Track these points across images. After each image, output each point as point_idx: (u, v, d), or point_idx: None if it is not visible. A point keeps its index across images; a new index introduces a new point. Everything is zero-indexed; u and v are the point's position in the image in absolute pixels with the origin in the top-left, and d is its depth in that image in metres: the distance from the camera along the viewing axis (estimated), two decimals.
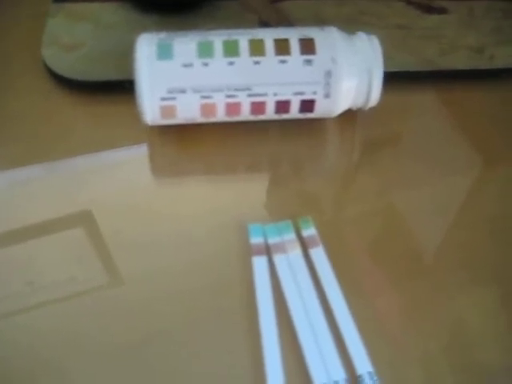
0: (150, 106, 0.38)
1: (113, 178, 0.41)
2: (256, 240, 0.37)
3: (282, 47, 0.38)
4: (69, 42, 0.46)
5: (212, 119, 0.40)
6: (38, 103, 0.44)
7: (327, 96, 0.39)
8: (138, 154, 0.42)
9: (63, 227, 0.38)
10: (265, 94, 0.39)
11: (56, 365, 0.33)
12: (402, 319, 0.35)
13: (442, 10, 0.50)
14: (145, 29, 0.46)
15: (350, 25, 0.45)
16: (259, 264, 0.36)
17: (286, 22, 0.48)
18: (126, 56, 0.43)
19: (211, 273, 0.36)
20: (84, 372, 0.33)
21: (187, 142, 0.42)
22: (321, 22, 0.48)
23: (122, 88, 0.43)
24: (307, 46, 0.38)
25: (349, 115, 0.43)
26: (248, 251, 0.37)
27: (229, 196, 0.40)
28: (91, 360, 0.33)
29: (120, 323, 0.34)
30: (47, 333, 0.34)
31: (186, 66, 0.38)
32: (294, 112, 0.40)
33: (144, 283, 0.36)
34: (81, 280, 0.36)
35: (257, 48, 0.38)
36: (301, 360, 0.33)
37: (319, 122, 0.43)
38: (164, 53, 0.38)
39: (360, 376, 0.32)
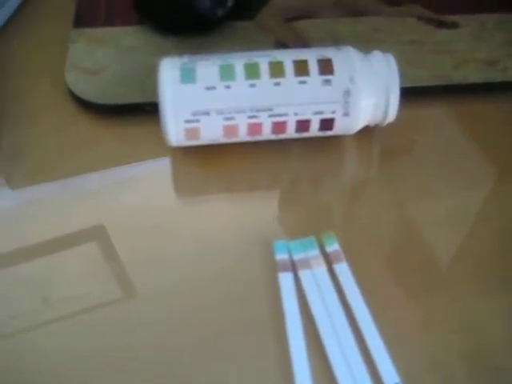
0: (175, 128, 0.39)
1: (135, 196, 0.42)
2: (281, 256, 0.38)
3: (301, 68, 0.39)
4: (91, 67, 0.47)
5: (234, 139, 0.41)
6: (60, 124, 0.45)
7: (346, 114, 0.40)
8: (161, 173, 0.43)
9: (82, 242, 0.39)
10: (285, 114, 0.40)
11: (70, 380, 0.33)
12: (425, 329, 0.36)
13: (453, 25, 0.51)
14: (164, 51, 0.47)
15: (363, 42, 0.46)
16: (285, 280, 0.37)
17: (302, 40, 0.49)
18: (148, 79, 0.45)
19: (237, 290, 0.37)
20: None
21: (210, 161, 0.43)
22: (335, 39, 0.49)
23: (145, 110, 0.44)
24: (325, 67, 0.40)
25: (366, 131, 0.44)
26: (272, 268, 0.37)
27: (251, 213, 0.41)
28: (107, 377, 0.33)
29: (139, 339, 0.35)
30: (63, 349, 0.34)
31: (209, 89, 0.39)
32: (314, 130, 0.41)
33: (167, 300, 0.36)
34: (97, 295, 0.36)
35: (277, 70, 0.39)
36: (329, 374, 0.33)
37: (338, 138, 0.44)
38: (187, 77, 0.39)
39: None
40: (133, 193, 0.42)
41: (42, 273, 0.37)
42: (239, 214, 0.41)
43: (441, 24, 0.52)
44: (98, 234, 0.39)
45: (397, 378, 0.33)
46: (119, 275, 0.38)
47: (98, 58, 0.48)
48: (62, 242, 0.39)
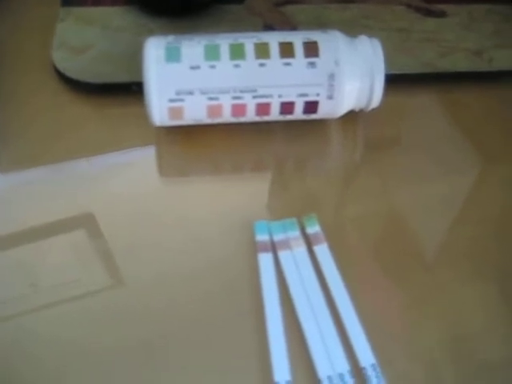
0: (159, 107, 0.39)
1: (120, 179, 0.41)
2: (261, 237, 0.38)
3: (287, 50, 0.40)
4: (78, 45, 0.47)
5: (218, 120, 0.41)
6: (47, 105, 0.45)
7: (330, 97, 0.40)
8: (145, 155, 0.43)
9: (68, 228, 0.39)
10: (270, 96, 0.40)
11: (57, 367, 0.33)
12: (404, 314, 0.36)
13: (441, 14, 0.52)
14: (152, 32, 0.47)
15: (351, 28, 0.46)
16: (265, 261, 0.37)
17: (290, 25, 0.49)
18: (134, 58, 0.44)
19: (219, 271, 0.37)
20: (85, 376, 0.33)
21: (194, 142, 0.43)
22: (323, 25, 0.49)
23: (130, 90, 0.44)
24: (311, 49, 0.40)
25: (351, 116, 0.44)
26: (255, 249, 0.38)
27: (235, 195, 0.41)
28: (93, 364, 0.33)
29: (125, 326, 0.35)
30: (50, 335, 0.34)
31: (193, 68, 0.39)
32: (298, 113, 0.41)
33: (154, 285, 0.36)
34: (85, 282, 0.36)
35: (262, 51, 0.39)
36: (306, 353, 0.34)
37: (322, 122, 0.44)
38: (172, 56, 0.39)
39: (363, 368, 0.33)
40: (118, 176, 0.42)
41: (30, 259, 0.37)
42: (223, 196, 0.41)
43: (429, 13, 0.52)
44: (84, 220, 0.39)
45: (373, 359, 0.33)
46: (107, 262, 0.37)
47: (86, 37, 0.47)
48: (49, 228, 0.39)
